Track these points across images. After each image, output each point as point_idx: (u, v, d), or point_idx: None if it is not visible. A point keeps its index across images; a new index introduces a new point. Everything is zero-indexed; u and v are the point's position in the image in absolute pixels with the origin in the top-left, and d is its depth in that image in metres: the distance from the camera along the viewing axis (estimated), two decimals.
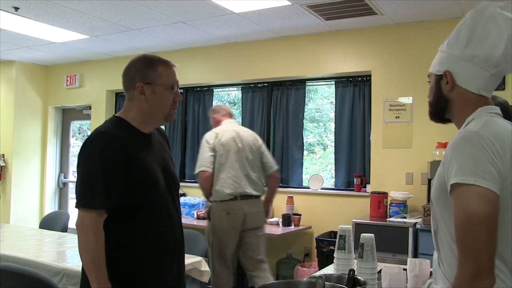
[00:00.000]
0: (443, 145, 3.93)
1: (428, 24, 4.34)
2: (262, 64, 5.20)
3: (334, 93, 5.03)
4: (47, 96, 6.88)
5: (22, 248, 3.28)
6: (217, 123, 4.02)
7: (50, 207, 6.82)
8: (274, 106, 5.30)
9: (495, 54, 1.28)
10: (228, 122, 4.02)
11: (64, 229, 4.38)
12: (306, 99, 5.24)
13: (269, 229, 4.57)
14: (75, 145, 7.38)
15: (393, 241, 3.76)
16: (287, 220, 4.71)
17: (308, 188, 5.01)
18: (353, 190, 4.73)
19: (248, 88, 5.49)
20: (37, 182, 6.76)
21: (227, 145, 3.79)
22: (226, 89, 5.94)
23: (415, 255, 3.70)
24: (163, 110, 1.83)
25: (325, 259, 3.98)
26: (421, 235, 3.72)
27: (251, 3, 4.01)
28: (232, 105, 6.17)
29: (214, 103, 5.74)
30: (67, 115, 7.04)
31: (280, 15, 4.32)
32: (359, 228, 3.75)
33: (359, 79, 4.82)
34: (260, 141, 4.01)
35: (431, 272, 1.96)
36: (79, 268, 2.68)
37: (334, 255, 2.12)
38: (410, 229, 3.74)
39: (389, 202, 4.24)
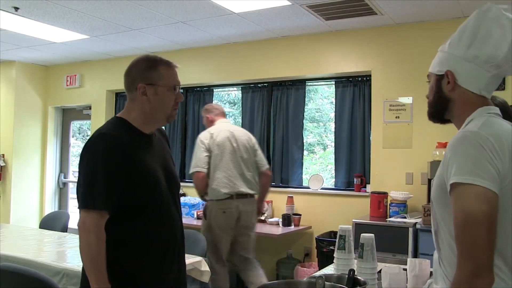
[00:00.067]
0: (443, 145, 3.93)
1: (428, 24, 4.34)
2: (262, 64, 5.20)
3: (334, 93, 5.03)
4: (47, 96, 6.88)
5: (22, 248, 3.28)
6: (211, 122, 4.05)
7: (50, 207, 6.82)
8: (274, 106, 5.30)
9: (498, 55, 1.29)
10: (221, 121, 4.05)
11: (64, 229, 4.38)
12: (306, 99, 5.24)
13: (269, 229, 4.58)
14: (75, 145, 7.38)
15: (393, 241, 3.76)
16: (287, 220, 4.71)
17: (308, 188, 5.01)
18: (353, 190, 4.73)
19: (248, 88, 5.49)
20: (37, 182, 6.76)
21: (222, 145, 3.83)
22: (226, 89, 5.94)
23: (415, 255, 3.70)
24: (165, 111, 1.83)
25: (325, 259, 3.98)
26: (421, 235, 3.73)
27: (251, 3, 4.01)
28: (232, 105, 6.18)
29: (214, 103, 5.75)
30: (67, 115, 7.04)
31: (280, 15, 4.32)
32: (359, 228, 3.75)
33: (359, 79, 4.82)
34: (253, 140, 4.06)
35: (431, 272, 1.96)
36: (79, 268, 2.68)
37: (334, 255, 2.12)
38: (410, 229, 3.74)
39: (389, 202, 4.24)
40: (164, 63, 1.83)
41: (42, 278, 2.30)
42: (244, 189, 3.82)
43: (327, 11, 4.16)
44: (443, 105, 1.39)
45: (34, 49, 5.83)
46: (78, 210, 1.69)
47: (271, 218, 4.92)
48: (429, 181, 3.96)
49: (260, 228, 4.64)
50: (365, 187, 4.68)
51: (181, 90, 1.93)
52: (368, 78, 4.74)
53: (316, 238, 4.39)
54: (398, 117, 4.47)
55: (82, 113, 6.81)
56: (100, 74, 6.39)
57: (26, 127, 6.62)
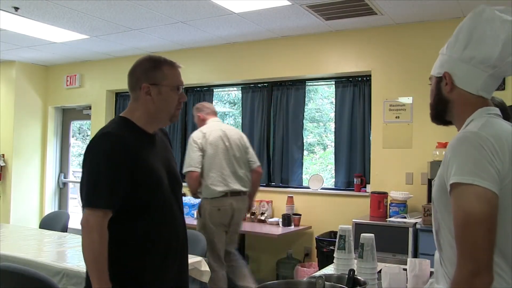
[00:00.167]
0: (443, 145, 3.93)
1: (428, 24, 4.34)
2: (262, 64, 5.20)
3: (334, 93, 5.03)
4: (47, 96, 6.88)
5: (22, 248, 3.27)
6: (202, 121, 4.11)
7: (50, 207, 6.82)
8: (274, 106, 5.30)
9: (492, 55, 1.30)
10: (213, 120, 4.11)
11: (64, 229, 4.38)
12: (306, 99, 5.24)
13: (269, 229, 4.59)
14: (75, 145, 7.39)
15: (393, 241, 3.76)
16: (287, 220, 4.71)
17: (308, 188, 5.01)
18: (353, 190, 4.73)
19: (248, 88, 5.49)
20: (37, 182, 6.76)
21: (215, 144, 3.90)
22: (226, 89, 5.94)
23: (415, 255, 3.70)
24: (168, 111, 1.84)
25: (325, 259, 3.98)
26: (421, 235, 3.73)
27: (251, 3, 4.01)
28: (232, 105, 6.18)
29: (214, 103, 5.75)
30: (67, 115, 7.04)
31: (280, 15, 4.32)
32: (359, 228, 3.75)
33: (359, 79, 4.82)
34: (245, 138, 4.13)
35: (431, 272, 1.97)
36: (79, 268, 2.70)
37: (334, 255, 2.12)
38: (410, 229, 3.74)
39: (389, 202, 4.24)
40: (168, 63, 1.85)
41: (42, 278, 2.30)
42: (238, 186, 3.91)
43: (327, 11, 4.16)
44: (443, 106, 1.40)
45: (34, 49, 5.83)
46: (82, 208, 1.70)
47: (271, 218, 4.92)
48: (429, 181, 3.96)
49: (260, 228, 4.65)
50: (365, 187, 4.68)
51: None
52: (368, 78, 4.74)
53: (316, 238, 4.39)
54: (398, 117, 4.47)
55: (82, 113, 6.81)
56: (100, 74, 6.40)
57: (26, 127, 6.62)
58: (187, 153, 3.92)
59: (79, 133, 8.15)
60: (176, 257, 1.87)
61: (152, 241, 1.78)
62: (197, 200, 5.18)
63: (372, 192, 4.37)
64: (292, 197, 4.91)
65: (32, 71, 6.72)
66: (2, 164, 6.43)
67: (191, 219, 4.98)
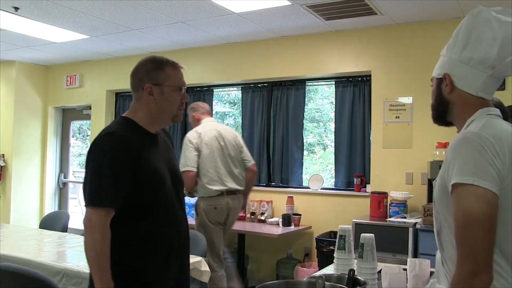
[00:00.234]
0: (443, 145, 3.93)
1: (428, 24, 4.34)
2: (262, 64, 5.20)
3: (334, 93, 5.03)
4: (47, 96, 6.88)
5: (22, 248, 3.27)
6: (197, 121, 4.14)
7: (50, 207, 6.82)
8: (274, 106, 5.30)
9: (490, 56, 1.31)
10: (208, 120, 4.15)
11: (64, 229, 4.38)
12: (306, 99, 5.23)
13: (269, 229, 4.59)
14: (75, 145, 7.39)
15: (393, 241, 3.76)
16: (287, 220, 4.71)
17: (308, 188, 5.01)
18: (353, 190, 4.73)
19: (248, 88, 5.49)
20: (37, 182, 6.76)
21: (210, 144, 3.95)
22: (226, 89, 5.94)
23: (415, 255, 3.70)
24: (170, 111, 1.86)
25: (325, 259, 3.98)
26: (421, 235, 3.72)
27: (251, 3, 4.01)
28: (232, 105, 6.18)
29: (214, 103, 5.75)
30: (67, 115, 7.04)
31: (280, 15, 4.32)
32: (359, 228, 3.75)
33: (359, 79, 4.82)
34: (239, 137, 4.18)
35: (431, 272, 1.97)
36: (79, 268, 2.70)
37: (334, 255, 2.12)
38: (410, 229, 3.74)
39: (389, 202, 4.24)
40: (170, 64, 1.86)
41: (42, 278, 2.30)
42: (233, 185, 3.97)
43: (327, 11, 4.16)
44: (444, 107, 1.41)
45: (34, 49, 5.83)
46: (85, 207, 1.71)
47: (271, 218, 4.92)
48: (429, 181, 3.96)
49: (260, 228, 4.66)
50: (365, 187, 4.68)
51: None
52: (368, 78, 4.74)
53: (316, 238, 4.39)
54: (398, 117, 4.47)
55: (82, 113, 6.81)
56: (100, 74, 6.39)
57: (26, 127, 6.62)
58: (183, 152, 3.95)
59: (79, 133, 8.16)
60: (178, 257, 1.87)
61: (154, 241, 1.78)
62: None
63: (372, 192, 4.37)
64: (292, 197, 4.91)
65: (32, 71, 6.72)
66: (2, 164, 6.43)
67: (191, 219, 4.97)
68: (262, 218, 4.93)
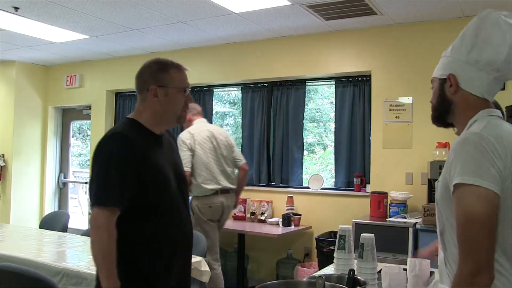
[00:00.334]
0: (443, 145, 3.93)
1: (428, 24, 4.34)
2: (262, 64, 5.20)
3: (334, 93, 5.03)
4: (47, 96, 6.88)
5: (22, 248, 3.27)
6: (189, 122, 4.22)
7: (50, 207, 6.82)
8: (274, 106, 5.30)
9: (498, 59, 1.32)
10: (199, 121, 4.25)
11: (64, 229, 4.38)
12: (306, 99, 5.23)
13: (269, 229, 4.59)
14: (75, 145, 7.39)
15: (393, 241, 3.76)
16: (287, 220, 4.71)
17: (308, 188, 5.01)
18: (353, 190, 4.73)
19: (248, 88, 5.49)
20: (37, 182, 6.76)
21: (204, 144, 4.06)
22: (226, 89, 5.94)
23: (415, 255, 3.70)
24: (175, 112, 1.89)
25: (325, 259, 3.98)
26: (421, 235, 3.72)
27: (251, 3, 4.01)
28: (232, 105, 6.18)
29: (214, 103, 5.75)
30: (67, 115, 7.04)
31: (280, 15, 4.32)
32: (359, 228, 3.75)
33: (359, 79, 4.82)
34: (230, 137, 4.32)
35: (431, 272, 1.97)
36: (79, 268, 2.70)
37: (334, 255, 2.12)
38: (410, 229, 3.74)
39: (389, 202, 4.24)
40: (175, 66, 1.89)
41: (42, 278, 2.30)
42: (227, 184, 4.09)
43: (327, 11, 4.16)
44: (446, 108, 1.41)
45: (34, 49, 5.83)
46: (90, 207, 1.72)
47: (271, 218, 4.92)
48: (429, 181, 3.96)
49: (260, 228, 4.66)
50: (365, 187, 4.68)
51: None
52: (368, 78, 4.73)
53: (316, 238, 4.39)
54: (398, 117, 4.46)
55: (82, 113, 6.81)
56: (100, 74, 6.39)
57: (26, 127, 6.62)
58: None
59: (79, 133, 8.16)
60: (181, 257, 1.90)
61: (159, 242, 1.80)
62: None
63: (372, 192, 4.37)
64: (292, 197, 4.91)
65: (32, 71, 6.72)
66: (2, 164, 6.43)
67: None
68: (262, 218, 4.93)
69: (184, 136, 4.06)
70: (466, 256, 1.18)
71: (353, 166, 4.84)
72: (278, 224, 4.76)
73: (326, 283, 1.52)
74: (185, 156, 3.93)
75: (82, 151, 8.24)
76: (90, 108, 6.55)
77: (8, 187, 6.43)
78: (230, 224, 4.85)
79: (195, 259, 3.01)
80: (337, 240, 2.12)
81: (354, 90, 4.86)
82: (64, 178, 6.97)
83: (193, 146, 4.02)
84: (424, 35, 4.35)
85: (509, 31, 1.31)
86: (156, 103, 1.85)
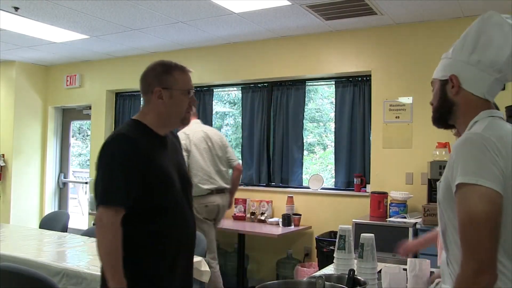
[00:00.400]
0: (443, 145, 3.93)
1: (428, 24, 4.34)
2: (262, 64, 5.20)
3: (334, 93, 5.03)
4: (47, 96, 6.88)
5: (22, 248, 3.27)
6: None
7: (50, 207, 6.82)
8: (274, 106, 5.30)
9: (500, 59, 1.33)
10: (194, 122, 4.27)
11: (64, 229, 4.38)
12: (306, 99, 5.23)
13: (269, 229, 4.59)
14: (75, 145, 7.38)
15: (393, 241, 3.74)
16: (287, 220, 4.71)
17: (308, 188, 5.01)
18: (353, 190, 4.73)
19: (248, 88, 5.49)
20: (37, 182, 6.76)
21: (199, 145, 4.13)
22: (226, 89, 5.94)
23: (415, 255, 3.69)
24: (179, 114, 1.91)
25: (325, 259, 3.98)
26: (421, 235, 3.71)
27: (251, 3, 4.01)
28: (232, 105, 6.17)
29: (214, 103, 5.75)
30: (67, 115, 7.04)
31: (280, 15, 4.32)
32: (359, 228, 3.74)
33: (359, 79, 4.82)
34: (224, 138, 4.40)
35: (431, 272, 1.97)
36: (79, 268, 2.70)
37: (334, 255, 2.12)
38: (410, 229, 3.74)
39: (389, 202, 4.24)
40: (179, 68, 1.91)
41: (42, 278, 2.30)
42: (222, 184, 4.18)
43: (327, 11, 4.16)
44: (448, 109, 1.42)
45: (34, 49, 5.83)
46: (96, 207, 1.75)
47: (271, 218, 4.92)
48: (429, 181, 3.96)
49: (260, 228, 4.66)
50: (365, 187, 4.68)
51: None
52: (368, 78, 4.73)
53: (316, 238, 4.39)
54: (398, 117, 4.46)
55: (82, 113, 6.81)
56: (100, 74, 6.39)
57: (26, 127, 6.62)
58: None
59: (79, 133, 8.16)
60: (184, 257, 1.91)
61: (163, 243, 1.82)
62: None
63: (372, 192, 4.37)
64: (292, 197, 4.91)
65: (32, 71, 6.72)
66: (2, 164, 6.43)
67: None
68: (262, 218, 4.93)
69: (179, 137, 4.08)
70: (469, 256, 1.18)
71: (353, 166, 4.84)
72: (278, 224, 4.76)
73: (326, 283, 1.52)
74: None
75: (82, 151, 8.24)
76: (90, 108, 6.55)
77: (8, 187, 6.43)
78: (230, 224, 4.86)
79: (195, 259, 3.00)
80: (337, 240, 2.12)
81: (354, 90, 4.86)
82: (64, 178, 6.97)
83: (188, 147, 4.07)
84: (424, 35, 4.35)
85: (511, 33, 1.32)
86: (160, 105, 1.87)
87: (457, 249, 1.28)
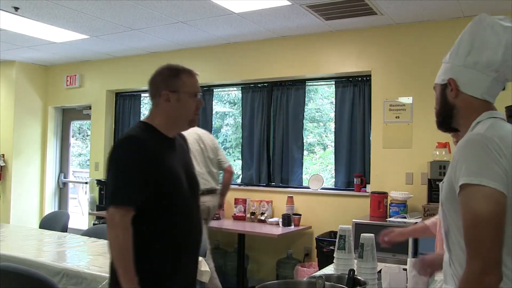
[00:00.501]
0: (443, 145, 3.93)
1: (428, 24, 4.34)
2: (262, 64, 5.20)
3: (334, 93, 5.03)
4: (47, 96, 6.88)
5: (22, 248, 3.28)
6: None
7: (50, 207, 6.82)
8: (274, 106, 5.30)
9: (496, 59, 1.34)
10: None
11: (64, 229, 4.38)
12: (306, 99, 5.23)
13: (269, 229, 4.59)
14: (75, 145, 7.38)
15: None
16: (287, 220, 4.71)
17: (308, 188, 5.01)
18: (353, 190, 4.73)
19: (248, 88, 5.49)
20: (37, 182, 6.76)
21: (192, 146, 4.14)
22: (226, 89, 5.93)
23: (415, 255, 3.69)
24: (187, 116, 1.94)
25: (325, 259, 3.98)
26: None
27: (251, 3, 4.01)
28: (232, 105, 6.17)
29: (214, 103, 5.75)
30: (67, 115, 7.04)
31: (280, 15, 4.32)
32: (359, 228, 3.74)
33: (359, 79, 4.82)
34: (216, 141, 4.49)
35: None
36: (79, 268, 2.70)
37: (334, 255, 2.13)
38: None
39: (389, 202, 4.24)
40: (186, 71, 1.95)
41: (42, 278, 2.30)
42: (213, 185, 4.28)
43: (327, 11, 4.16)
44: (449, 113, 1.43)
45: (34, 49, 5.83)
46: (106, 207, 1.78)
47: (271, 218, 4.92)
48: (429, 181, 3.96)
49: (260, 228, 4.66)
50: (365, 187, 4.68)
51: None
52: (368, 78, 4.73)
53: (316, 238, 4.39)
54: (398, 117, 4.46)
55: (82, 113, 6.81)
56: (100, 74, 6.39)
57: (26, 127, 6.62)
58: None
59: (79, 133, 8.15)
60: (190, 256, 1.95)
61: (171, 242, 1.84)
62: None
63: (372, 192, 4.37)
64: (292, 197, 4.91)
65: (32, 71, 6.72)
66: (2, 164, 6.43)
67: None
68: (262, 218, 4.93)
69: None
70: (474, 256, 1.18)
71: (353, 166, 4.84)
72: (278, 224, 4.76)
73: (326, 283, 1.52)
74: None
75: (82, 151, 8.23)
76: (90, 108, 6.55)
77: (8, 187, 6.43)
78: (230, 224, 4.86)
79: None
80: (337, 240, 2.12)
81: (354, 90, 4.85)
82: (64, 178, 6.97)
83: None
84: (424, 35, 4.35)
85: (503, 32, 1.34)
86: (168, 108, 1.90)
87: (460, 250, 1.28)
